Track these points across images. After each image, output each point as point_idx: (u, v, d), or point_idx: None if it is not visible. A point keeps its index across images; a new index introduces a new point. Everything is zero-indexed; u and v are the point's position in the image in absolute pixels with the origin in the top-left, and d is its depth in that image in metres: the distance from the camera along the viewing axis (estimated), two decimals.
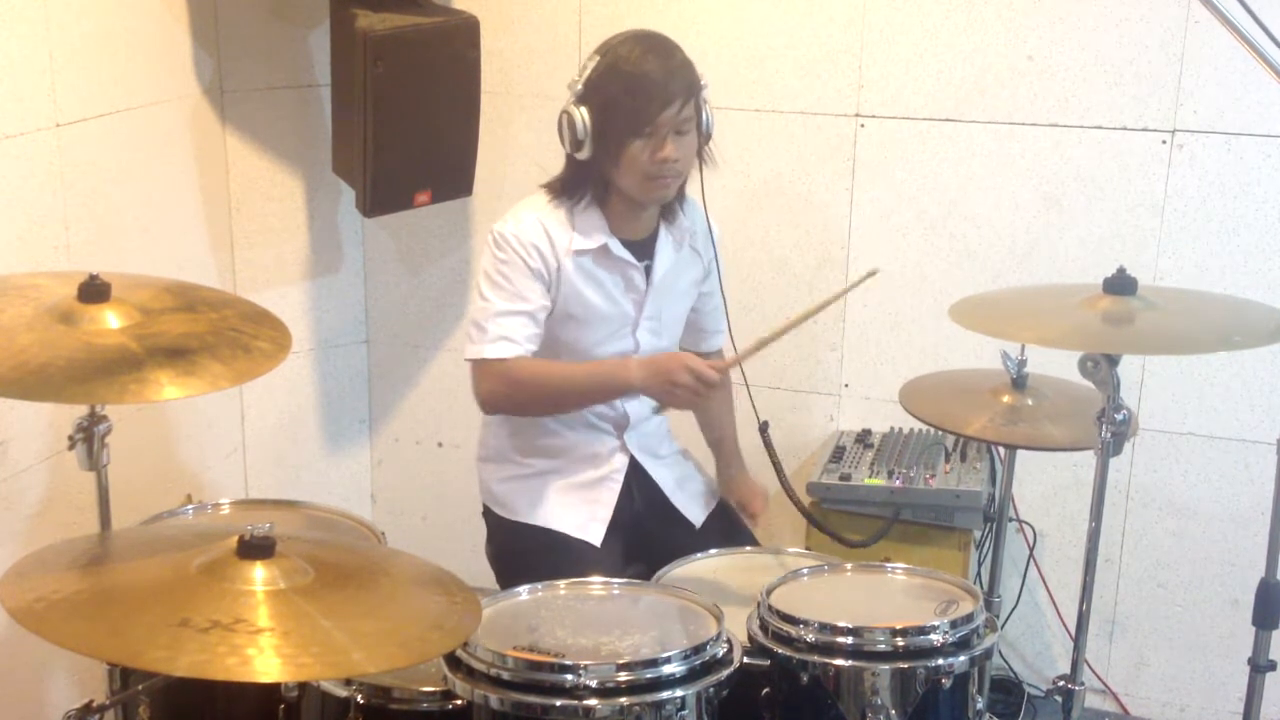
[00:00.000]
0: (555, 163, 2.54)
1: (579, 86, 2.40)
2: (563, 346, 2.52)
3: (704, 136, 2.46)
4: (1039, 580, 3.29)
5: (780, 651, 2.04)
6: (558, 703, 1.86)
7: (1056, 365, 2.52)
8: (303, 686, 2.04)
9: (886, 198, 3.23)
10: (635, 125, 2.37)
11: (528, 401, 2.49)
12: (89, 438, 1.98)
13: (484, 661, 1.91)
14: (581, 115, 2.39)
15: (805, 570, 2.29)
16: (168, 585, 1.72)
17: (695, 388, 2.31)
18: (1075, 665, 2.31)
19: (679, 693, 1.89)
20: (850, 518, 2.98)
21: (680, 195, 2.53)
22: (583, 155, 2.42)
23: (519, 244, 2.43)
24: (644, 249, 2.53)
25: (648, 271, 2.54)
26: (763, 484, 2.80)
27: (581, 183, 2.48)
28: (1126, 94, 3.03)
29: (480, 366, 2.44)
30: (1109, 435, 2.17)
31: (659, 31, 2.46)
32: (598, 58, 2.41)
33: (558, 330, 2.51)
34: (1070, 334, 2.24)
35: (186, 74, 3.16)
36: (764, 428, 2.70)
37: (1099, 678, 3.30)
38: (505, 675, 1.90)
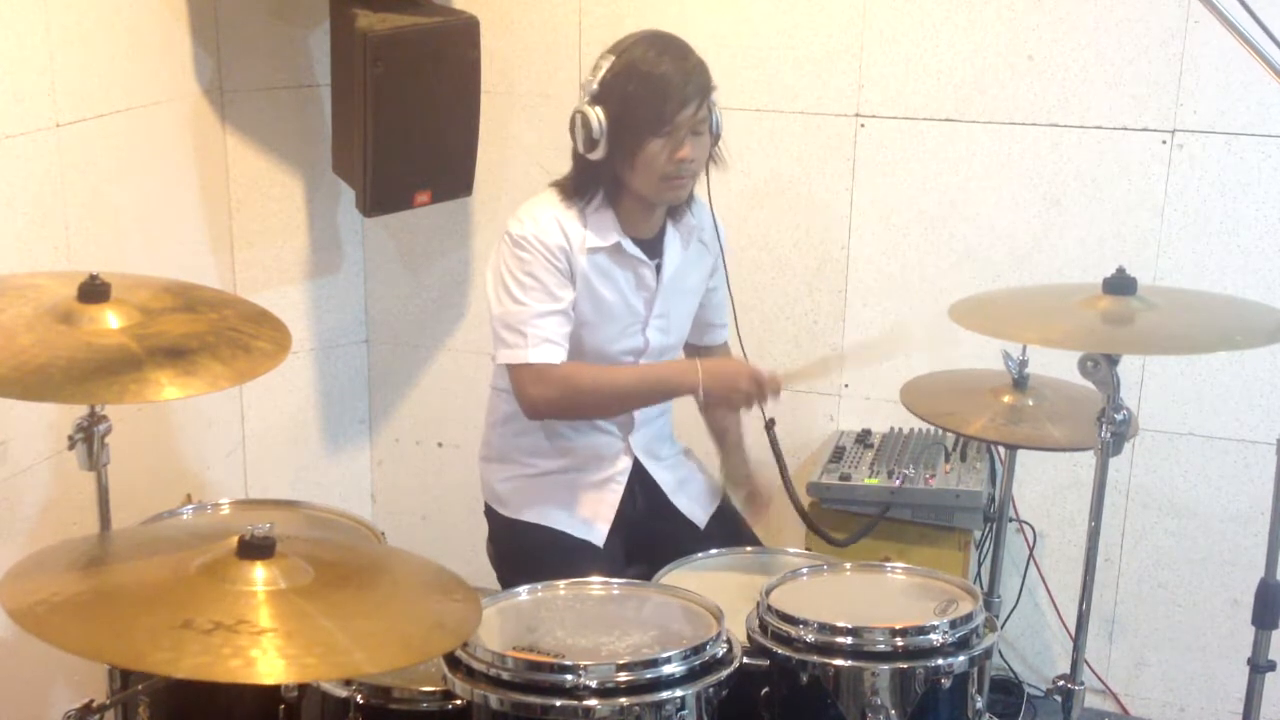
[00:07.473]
0: (555, 163, 2.54)
1: (594, 86, 2.39)
2: (574, 344, 2.51)
3: (714, 137, 2.46)
4: (1039, 580, 3.29)
5: (780, 651, 2.04)
6: (557, 703, 1.86)
7: (1057, 365, 2.52)
8: (303, 687, 2.04)
9: (886, 198, 3.23)
10: (654, 125, 2.37)
11: (585, 406, 2.49)
12: (89, 438, 1.98)
13: (484, 661, 1.91)
14: (597, 115, 2.38)
15: (805, 570, 2.29)
16: (168, 586, 1.72)
17: (754, 395, 2.43)
18: (1075, 665, 2.31)
19: (679, 693, 1.89)
20: (850, 518, 2.98)
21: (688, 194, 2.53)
22: (596, 155, 2.41)
23: (541, 245, 2.42)
24: (653, 247, 2.54)
25: (658, 269, 2.54)
26: (766, 479, 2.78)
27: (593, 183, 2.47)
28: (1126, 94, 3.03)
29: (526, 371, 2.40)
30: (1109, 435, 2.17)
31: (671, 33, 2.45)
32: (613, 58, 2.40)
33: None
34: (1070, 334, 2.23)
35: (186, 74, 3.16)
36: (770, 424, 2.69)
37: (1099, 678, 3.30)
38: (505, 675, 1.90)
